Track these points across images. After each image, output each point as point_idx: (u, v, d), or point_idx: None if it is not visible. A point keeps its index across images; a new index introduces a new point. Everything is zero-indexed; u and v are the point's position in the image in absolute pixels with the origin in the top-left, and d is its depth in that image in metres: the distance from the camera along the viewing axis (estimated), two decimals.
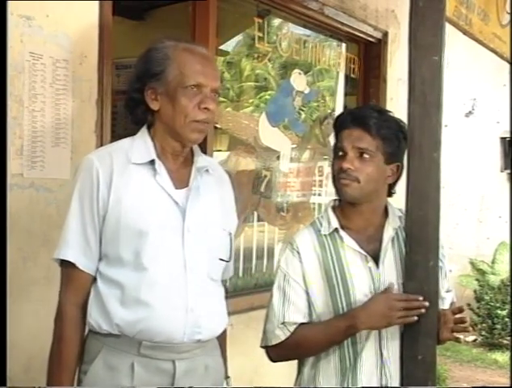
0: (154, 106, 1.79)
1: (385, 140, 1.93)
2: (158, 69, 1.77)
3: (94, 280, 1.80)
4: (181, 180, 1.83)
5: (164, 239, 1.76)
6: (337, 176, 1.94)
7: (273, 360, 2.04)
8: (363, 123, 1.92)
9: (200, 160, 1.88)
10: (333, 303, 1.93)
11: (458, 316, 1.91)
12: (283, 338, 1.95)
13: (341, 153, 1.94)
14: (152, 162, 1.80)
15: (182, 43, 1.83)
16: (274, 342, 1.97)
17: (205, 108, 1.78)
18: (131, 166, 1.79)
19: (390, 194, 2.04)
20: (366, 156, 1.91)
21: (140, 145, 1.83)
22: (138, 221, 1.75)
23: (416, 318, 1.86)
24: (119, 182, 1.77)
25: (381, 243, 1.97)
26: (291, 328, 1.95)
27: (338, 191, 1.96)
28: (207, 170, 1.89)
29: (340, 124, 1.99)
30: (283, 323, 1.95)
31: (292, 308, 1.95)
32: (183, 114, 1.77)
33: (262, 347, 2.03)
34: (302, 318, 1.96)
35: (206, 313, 1.80)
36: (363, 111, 2.01)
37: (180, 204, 1.80)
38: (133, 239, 1.74)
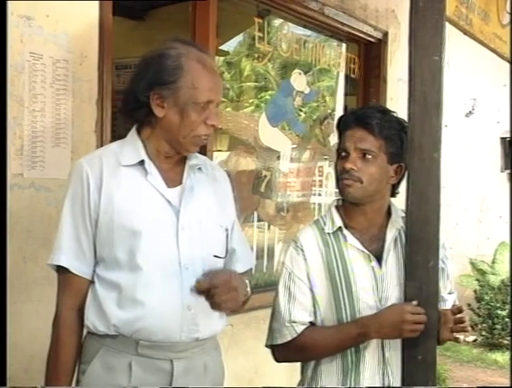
0: (159, 112, 1.78)
1: (388, 140, 1.93)
2: (170, 79, 1.76)
3: (91, 283, 1.80)
4: (173, 179, 1.84)
5: (158, 238, 1.77)
6: (340, 177, 1.94)
7: (278, 360, 2.04)
8: (366, 123, 1.92)
9: (193, 158, 1.88)
10: (336, 302, 1.93)
11: (458, 316, 1.91)
12: (289, 338, 1.95)
13: (344, 154, 1.94)
14: (142, 162, 1.80)
15: (192, 49, 1.81)
16: (280, 341, 1.97)
17: (211, 125, 1.80)
18: (121, 169, 1.80)
19: (394, 194, 2.05)
20: (368, 156, 1.91)
21: (130, 147, 1.83)
22: (131, 221, 1.75)
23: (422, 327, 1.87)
24: (109, 184, 1.77)
25: (384, 243, 1.97)
26: (299, 329, 1.94)
27: (341, 191, 1.96)
28: (200, 168, 1.90)
29: (343, 125, 1.98)
30: (290, 322, 1.95)
31: (298, 306, 1.95)
32: (190, 128, 1.78)
33: (267, 346, 2.03)
34: (308, 317, 1.96)
35: (203, 311, 1.79)
36: (366, 111, 2.00)
37: (173, 202, 1.80)
38: (127, 240, 1.75)
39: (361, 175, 1.91)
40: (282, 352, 2.00)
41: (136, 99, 1.80)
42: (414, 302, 1.88)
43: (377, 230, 1.99)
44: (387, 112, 2.00)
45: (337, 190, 2.00)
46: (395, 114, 2.01)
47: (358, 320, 1.91)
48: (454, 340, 1.97)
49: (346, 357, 1.94)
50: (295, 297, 1.96)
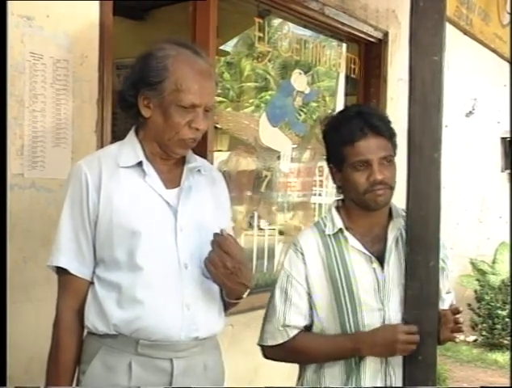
0: (146, 113, 1.79)
1: (393, 140, 1.95)
2: (155, 80, 1.76)
3: (91, 284, 1.80)
4: (172, 180, 1.84)
5: (157, 239, 1.77)
6: (371, 188, 1.89)
7: (267, 358, 2.04)
8: (380, 130, 1.90)
9: (192, 160, 1.89)
10: (338, 305, 1.93)
11: (458, 316, 1.91)
12: (280, 341, 1.95)
13: (363, 166, 1.89)
14: (140, 163, 1.81)
15: (183, 51, 1.80)
16: (270, 343, 1.97)
17: (196, 128, 1.78)
18: (120, 170, 1.80)
19: None
20: (389, 161, 1.92)
21: (128, 148, 1.84)
22: (130, 221, 1.76)
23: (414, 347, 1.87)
24: (108, 185, 1.78)
25: (386, 244, 1.96)
26: (292, 333, 1.94)
27: (370, 201, 1.91)
28: (199, 171, 1.90)
29: (352, 136, 1.89)
30: (284, 326, 1.94)
31: (294, 310, 1.95)
32: (174, 130, 1.77)
33: (258, 344, 2.03)
34: (303, 321, 1.95)
35: (202, 310, 1.80)
36: (373, 116, 1.93)
37: (171, 203, 1.81)
38: (126, 240, 1.75)
39: (391, 182, 1.91)
40: (272, 352, 2.00)
41: (125, 100, 1.82)
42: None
43: (378, 231, 1.98)
44: (382, 112, 2.01)
45: (357, 200, 1.94)
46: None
47: (353, 335, 1.90)
48: (452, 340, 1.97)
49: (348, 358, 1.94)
50: (291, 301, 1.95)
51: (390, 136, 1.94)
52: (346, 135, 1.90)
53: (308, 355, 1.96)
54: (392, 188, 1.93)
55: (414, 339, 1.86)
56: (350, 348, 1.89)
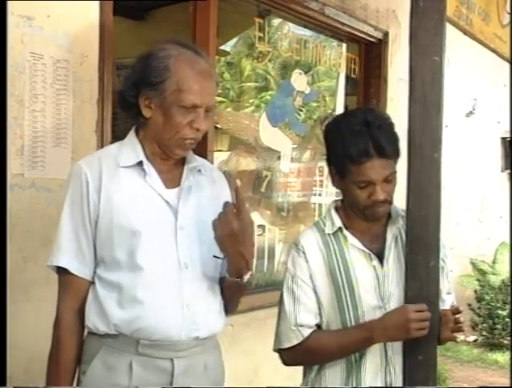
0: (146, 113, 1.80)
1: (398, 154, 1.92)
2: (156, 80, 1.76)
3: (92, 284, 1.81)
4: (172, 180, 1.84)
5: (157, 238, 1.78)
6: (371, 206, 1.89)
7: (286, 363, 2.03)
8: (386, 151, 1.87)
9: (192, 160, 1.89)
10: (339, 302, 1.93)
11: (458, 316, 1.91)
12: (295, 341, 1.95)
13: (366, 184, 1.88)
14: (140, 163, 1.81)
15: (184, 51, 1.80)
16: (286, 345, 1.97)
17: (197, 129, 1.78)
18: (120, 170, 1.80)
19: None
20: (391, 178, 1.90)
21: (128, 148, 1.84)
22: (130, 221, 1.76)
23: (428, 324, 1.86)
24: (108, 185, 1.78)
25: (385, 242, 1.97)
26: (305, 332, 1.94)
27: (368, 215, 1.92)
28: (199, 170, 1.90)
29: (360, 157, 1.85)
30: (296, 326, 1.94)
31: (303, 309, 1.95)
32: (174, 130, 1.77)
33: (274, 350, 2.02)
34: (314, 319, 1.95)
35: (202, 309, 1.81)
36: (379, 132, 1.88)
37: (171, 203, 1.81)
38: (127, 239, 1.75)
39: (389, 197, 1.91)
40: (289, 356, 1.99)
41: (125, 100, 1.82)
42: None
43: (377, 229, 1.98)
44: (388, 122, 1.95)
45: (356, 211, 1.94)
46: (387, 115, 1.99)
47: (363, 324, 1.90)
48: (453, 340, 1.97)
49: (349, 356, 1.94)
50: (299, 300, 1.95)
51: (396, 153, 1.90)
52: (351, 152, 1.86)
53: (324, 352, 1.95)
54: (391, 202, 1.94)
55: (426, 315, 1.85)
56: (364, 338, 1.88)
